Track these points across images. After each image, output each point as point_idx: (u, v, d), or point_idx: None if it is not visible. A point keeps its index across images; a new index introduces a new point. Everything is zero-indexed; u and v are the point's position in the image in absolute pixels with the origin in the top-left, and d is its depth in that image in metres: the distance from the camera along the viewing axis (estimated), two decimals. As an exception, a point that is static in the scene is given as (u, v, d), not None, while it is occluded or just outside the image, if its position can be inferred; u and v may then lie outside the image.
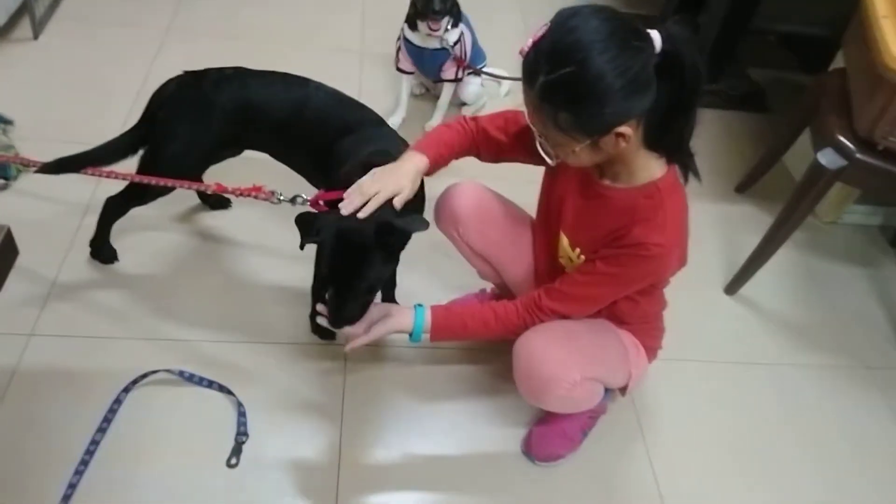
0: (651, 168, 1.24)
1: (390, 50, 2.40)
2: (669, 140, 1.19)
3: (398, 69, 2.37)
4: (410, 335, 1.39)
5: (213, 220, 2.02)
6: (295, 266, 1.71)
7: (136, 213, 1.75)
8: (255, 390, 1.62)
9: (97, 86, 2.38)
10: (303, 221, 1.32)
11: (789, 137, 2.26)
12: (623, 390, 1.53)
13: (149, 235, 1.93)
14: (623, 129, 1.12)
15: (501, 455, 1.61)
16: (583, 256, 1.35)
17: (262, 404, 1.60)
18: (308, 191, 1.52)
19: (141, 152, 1.63)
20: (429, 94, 2.59)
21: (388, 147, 1.48)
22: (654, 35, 1.09)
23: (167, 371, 1.61)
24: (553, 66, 1.07)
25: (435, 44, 2.24)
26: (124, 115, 2.09)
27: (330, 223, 1.30)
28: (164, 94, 1.60)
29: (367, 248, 1.28)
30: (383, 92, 2.55)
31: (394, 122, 2.40)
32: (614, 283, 1.31)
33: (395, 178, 1.32)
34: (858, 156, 1.76)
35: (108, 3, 2.76)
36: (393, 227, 1.28)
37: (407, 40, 2.28)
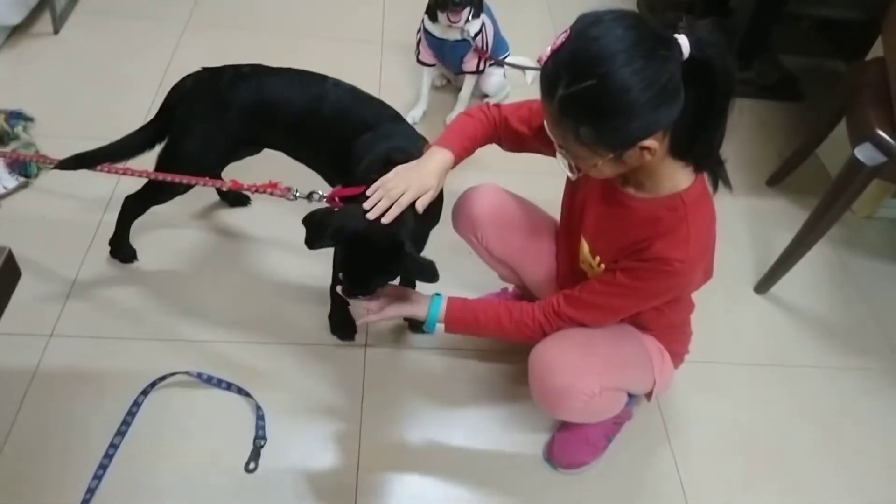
0: (676, 178, 1.18)
1: (411, 40, 2.36)
2: (698, 149, 1.13)
3: (419, 61, 2.32)
4: (425, 323, 1.37)
5: (232, 217, 2.01)
6: (314, 264, 1.69)
7: (156, 210, 1.74)
8: (273, 392, 1.61)
9: (118, 80, 2.37)
10: (311, 222, 1.29)
11: (824, 129, 2.17)
12: (648, 395, 1.49)
13: (168, 233, 1.92)
14: (649, 142, 1.06)
15: (524, 460, 1.58)
16: (602, 265, 1.31)
17: (281, 407, 1.59)
18: (325, 188, 1.49)
19: (158, 148, 1.62)
20: (450, 85, 2.54)
21: (405, 143, 1.46)
22: (682, 40, 1.02)
23: (186, 373, 1.60)
24: (573, 78, 1.01)
25: (456, 35, 2.19)
26: (145, 109, 2.09)
27: (342, 228, 1.27)
28: (181, 91, 1.58)
29: (377, 259, 1.29)
30: (404, 84, 2.51)
31: (415, 114, 2.36)
32: (634, 295, 1.26)
33: (421, 176, 1.29)
34: (899, 151, 1.68)
35: (128, -5, 2.75)
36: (403, 254, 1.27)
37: (427, 32, 2.24)
